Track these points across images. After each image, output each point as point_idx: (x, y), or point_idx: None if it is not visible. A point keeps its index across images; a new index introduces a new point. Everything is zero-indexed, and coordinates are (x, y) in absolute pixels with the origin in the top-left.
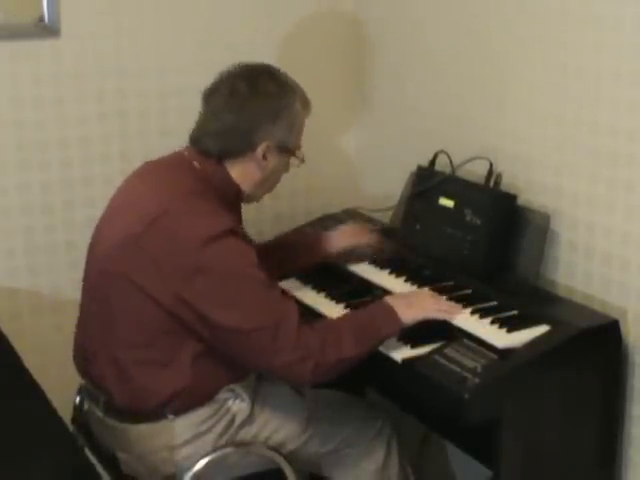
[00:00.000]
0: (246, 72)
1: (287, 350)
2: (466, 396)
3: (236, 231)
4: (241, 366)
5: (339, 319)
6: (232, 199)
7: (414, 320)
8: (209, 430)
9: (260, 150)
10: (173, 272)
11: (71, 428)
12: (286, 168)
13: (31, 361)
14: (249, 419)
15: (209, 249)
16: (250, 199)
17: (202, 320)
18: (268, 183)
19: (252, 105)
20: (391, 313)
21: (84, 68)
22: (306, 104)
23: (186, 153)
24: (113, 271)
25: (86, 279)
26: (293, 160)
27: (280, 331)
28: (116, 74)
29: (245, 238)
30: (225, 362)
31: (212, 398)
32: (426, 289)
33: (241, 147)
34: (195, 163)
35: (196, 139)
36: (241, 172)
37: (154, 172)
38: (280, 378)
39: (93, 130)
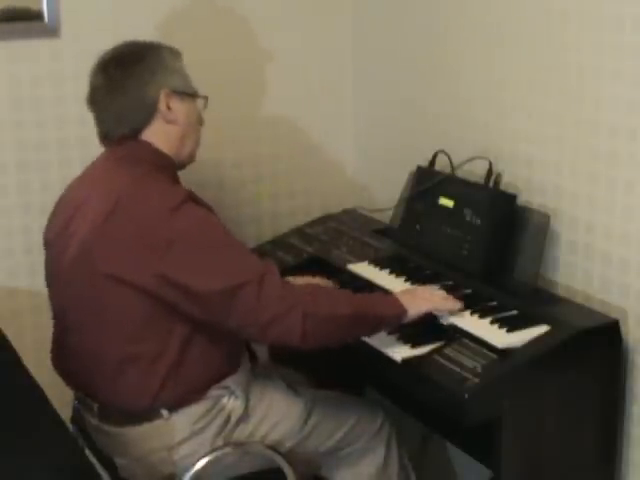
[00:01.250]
0: (108, 58)
1: (274, 301)
2: (466, 396)
3: (193, 198)
4: (232, 359)
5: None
6: (170, 171)
7: (419, 311)
8: (205, 428)
9: (162, 104)
10: (147, 252)
11: (71, 428)
12: (199, 119)
13: (31, 361)
14: (244, 417)
15: (173, 220)
16: (182, 162)
17: (186, 294)
18: (190, 137)
19: (129, 76)
20: (392, 298)
21: (83, 68)
22: (173, 51)
23: (106, 153)
24: (87, 272)
25: (54, 293)
26: (199, 103)
27: (264, 284)
28: None
29: (203, 203)
30: (215, 353)
31: (204, 393)
32: (433, 286)
33: (144, 112)
34: (119, 151)
35: (105, 135)
36: (161, 137)
37: (87, 178)
38: (270, 336)
39: (92, 130)
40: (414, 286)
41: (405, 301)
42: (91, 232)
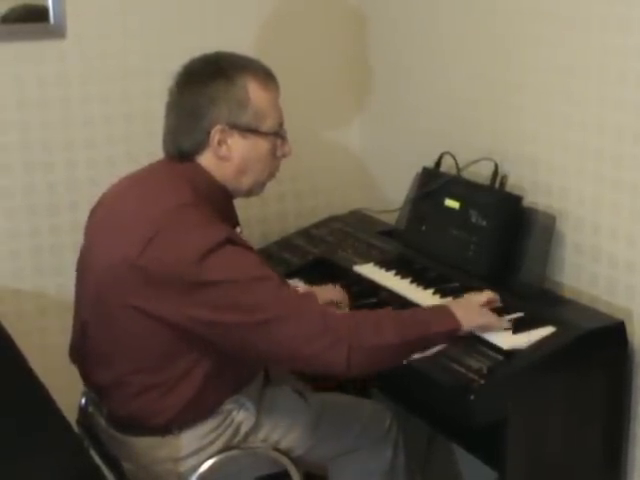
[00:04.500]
0: (188, 65)
1: (316, 336)
2: (472, 397)
3: (232, 239)
4: (246, 375)
5: (380, 311)
6: (222, 200)
7: (475, 325)
8: (214, 441)
9: (213, 138)
10: (178, 291)
11: (76, 429)
12: (272, 152)
13: (37, 362)
14: (254, 428)
15: (208, 262)
16: (241, 194)
17: (222, 328)
18: (249, 174)
19: (188, 95)
20: (444, 311)
21: (89, 69)
22: (262, 77)
23: (164, 163)
24: (113, 300)
25: (79, 301)
26: (272, 140)
27: (304, 317)
28: (122, 75)
29: (244, 243)
30: (231, 375)
31: (217, 410)
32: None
33: (193, 140)
34: (175, 168)
35: (162, 143)
36: (213, 168)
37: (137, 186)
38: (315, 370)
39: (99, 131)
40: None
41: (459, 315)
42: (123, 261)
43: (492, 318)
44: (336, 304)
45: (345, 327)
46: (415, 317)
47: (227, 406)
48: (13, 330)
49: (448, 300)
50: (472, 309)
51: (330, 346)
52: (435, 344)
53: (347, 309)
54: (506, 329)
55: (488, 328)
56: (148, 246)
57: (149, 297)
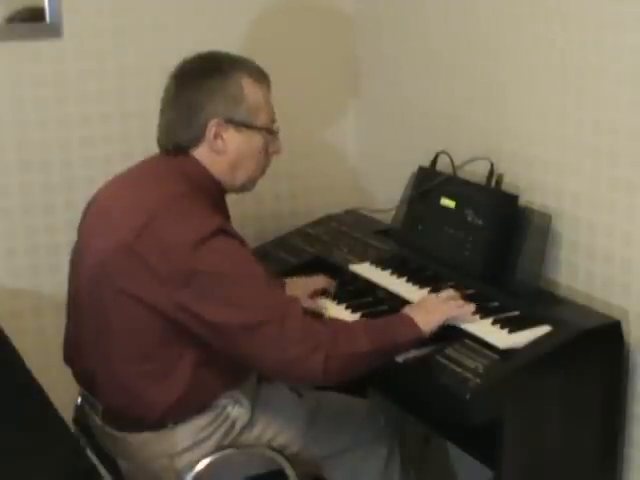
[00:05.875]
0: (184, 64)
1: (296, 342)
2: (467, 397)
3: (226, 229)
4: (241, 371)
5: (351, 321)
6: (215, 194)
7: (435, 325)
8: (209, 437)
9: (210, 132)
10: (169, 278)
11: (73, 429)
12: (264, 147)
13: (33, 361)
14: (249, 424)
15: (200, 251)
16: (234, 190)
17: (206, 325)
18: (243, 168)
19: (186, 92)
20: (408, 320)
21: (86, 68)
22: (255, 74)
23: (158, 159)
24: (107, 286)
25: (72, 296)
26: (264, 135)
27: (286, 323)
28: (118, 74)
29: (236, 235)
30: (225, 368)
31: (211, 405)
32: (445, 293)
33: (190, 134)
34: (169, 163)
35: (157, 140)
36: (207, 161)
37: (131, 183)
38: (291, 378)
39: (95, 130)
40: (428, 295)
41: (420, 320)
42: (118, 248)
43: (453, 310)
44: (325, 292)
45: (324, 335)
46: (383, 327)
47: (222, 401)
48: (9, 329)
49: (408, 305)
50: (431, 310)
51: (308, 353)
52: (401, 352)
53: (334, 292)
54: (473, 313)
55: (454, 319)
56: (143, 232)
57: (143, 283)
